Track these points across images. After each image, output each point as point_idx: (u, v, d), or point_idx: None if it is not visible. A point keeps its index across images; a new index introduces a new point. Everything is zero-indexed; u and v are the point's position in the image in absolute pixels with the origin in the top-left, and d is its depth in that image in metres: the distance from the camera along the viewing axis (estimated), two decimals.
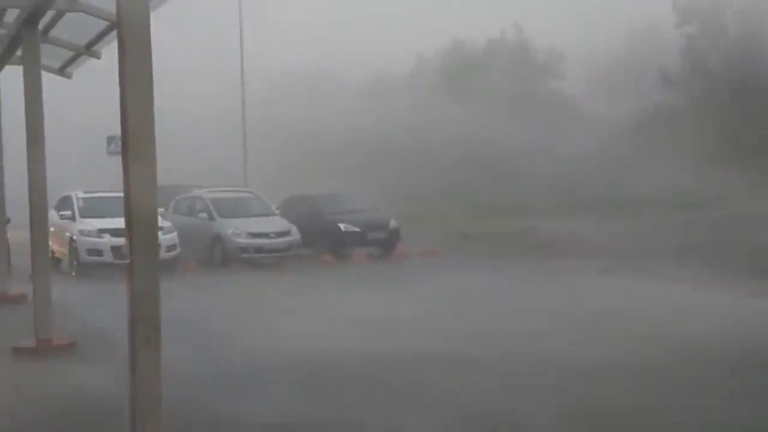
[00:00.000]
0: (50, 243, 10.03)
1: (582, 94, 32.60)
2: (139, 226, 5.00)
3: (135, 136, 4.99)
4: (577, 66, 32.93)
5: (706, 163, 23.68)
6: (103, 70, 9.45)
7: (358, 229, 18.69)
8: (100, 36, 9.35)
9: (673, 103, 28.50)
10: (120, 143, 5.28)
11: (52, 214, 14.90)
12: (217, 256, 17.44)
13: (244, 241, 17.24)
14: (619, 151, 26.30)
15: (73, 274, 15.78)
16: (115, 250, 15.01)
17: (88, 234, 15.85)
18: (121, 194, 5.16)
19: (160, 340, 5.00)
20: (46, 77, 9.52)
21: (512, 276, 14.45)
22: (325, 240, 18.64)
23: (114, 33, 8.01)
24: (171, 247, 15.79)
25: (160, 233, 5.96)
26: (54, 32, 9.44)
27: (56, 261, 15.95)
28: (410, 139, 32.43)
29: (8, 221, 13.38)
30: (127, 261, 5.06)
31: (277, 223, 17.99)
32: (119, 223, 5.90)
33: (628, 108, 28.82)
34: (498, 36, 35.37)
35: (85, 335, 9.09)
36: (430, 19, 35.45)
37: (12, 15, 9.27)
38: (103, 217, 15.63)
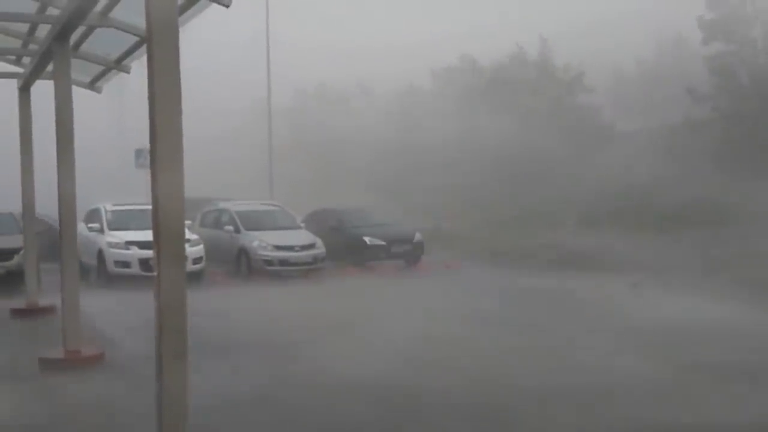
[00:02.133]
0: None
1: (609, 108, 32.42)
2: (167, 238, 5.04)
3: (163, 149, 5.04)
4: (605, 80, 32.78)
5: (735, 177, 23.40)
6: (132, 84, 9.59)
7: (382, 242, 18.72)
8: (130, 51, 9.47)
9: (701, 117, 28.22)
10: (148, 156, 5.33)
11: (81, 227, 15.09)
12: (243, 268, 17.53)
13: (269, 253, 17.31)
14: (647, 165, 26.09)
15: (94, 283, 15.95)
16: (143, 262, 15.15)
17: (116, 246, 16.01)
18: (149, 207, 5.21)
19: (187, 352, 5.03)
20: (77, 91, 9.64)
21: (534, 290, 14.36)
22: (349, 253, 18.69)
23: (144, 48, 8.12)
24: (197, 260, 15.92)
25: (186, 246, 6.00)
26: (84, 47, 9.59)
27: (85, 272, 16.10)
28: (436, 152, 32.42)
29: None
30: (155, 273, 5.10)
31: (302, 236, 18.06)
32: (147, 235, 5.94)
33: (655, 122, 28.60)
34: (524, 49, 35.29)
35: (114, 346, 9.15)
36: (455, 32, 35.49)
37: (43, 30, 9.43)
38: (132, 229, 15.79)
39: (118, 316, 11.61)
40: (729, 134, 26.39)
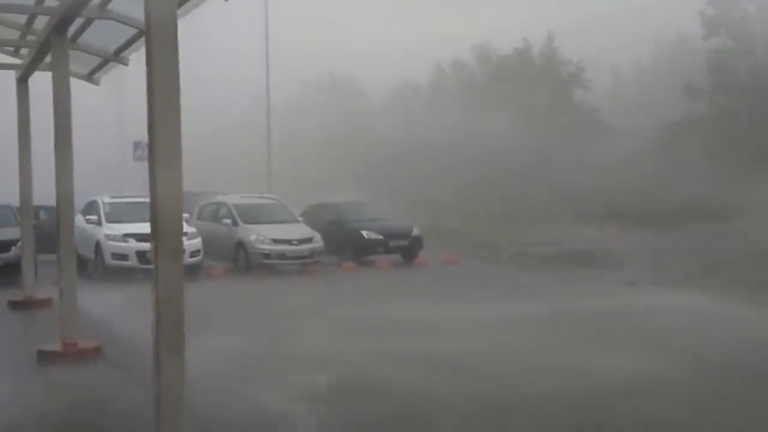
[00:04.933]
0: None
1: (608, 104, 32.41)
2: (165, 231, 5.04)
3: (161, 142, 5.04)
4: (604, 77, 32.77)
5: (732, 174, 23.42)
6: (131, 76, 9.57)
7: (380, 237, 18.72)
8: (128, 43, 9.45)
9: (699, 113, 28.24)
10: (146, 149, 5.32)
11: (79, 219, 15.07)
12: (240, 262, 17.52)
13: (266, 247, 17.30)
14: (645, 161, 26.12)
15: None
16: (140, 254, 15.14)
17: (114, 238, 16.00)
18: (147, 199, 5.20)
19: (184, 345, 5.03)
20: (75, 83, 9.62)
21: (528, 286, 14.38)
22: (347, 247, 18.69)
23: (142, 40, 8.11)
24: (194, 253, 15.91)
25: (183, 239, 5.99)
26: (83, 39, 9.57)
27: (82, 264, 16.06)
28: (433, 147, 32.41)
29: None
30: (152, 266, 5.10)
31: (300, 230, 18.04)
32: (145, 227, 5.94)
33: (654, 119, 28.60)
34: (524, 45, 35.25)
35: (111, 338, 9.15)
36: (456, 27, 35.43)
37: (42, 22, 9.40)
38: (129, 221, 15.78)
39: (116, 309, 11.61)
40: (726, 130, 26.41)
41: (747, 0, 28.09)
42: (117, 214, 16.64)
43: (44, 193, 12.31)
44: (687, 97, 28.30)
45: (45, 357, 8.37)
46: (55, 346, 8.54)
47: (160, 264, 5.01)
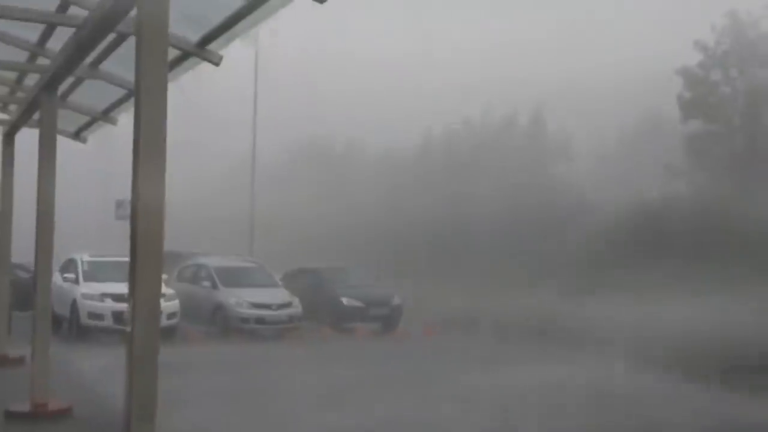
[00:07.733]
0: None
1: (588, 179, 32.81)
2: (143, 291, 4.98)
3: (144, 203, 5.03)
4: (584, 153, 33.30)
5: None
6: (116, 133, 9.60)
7: (360, 304, 18.60)
8: (118, 102, 9.48)
9: (677, 193, 28.71)
10: (129, 208, 5.31)
11: (56, 276, 14.91)
12: (218, 325, 17.31)
13: (245, 311, 17.14)
14: (624, 237, 26.35)
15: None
16: (116, 315, 14.94)
17: (91, 297, 15.80)
18: (126, 259, 5.16)
19: (156, 411, 4.92)
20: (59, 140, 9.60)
21: (508, 363, 14.20)
22: (327, 313, 18.52)
23: (131, 100, 8.17)
24: (171, 315, 15.71)
25: (161, 300, 5.93)
26: (72, 98, 9.61)
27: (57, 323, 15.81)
28: (417, 215, 32.57)
29: None
30: (128, 327, 5.02)
31: (279, 295, 17.92)
32: (122, 288, 5.88)
33: (633, 195, 28.98)
34: (510, 114, 35.81)
35: (81, 400, 8.93)
36: (442, 96, 35.96)
37: (32, 79, 9.46)
38: (107, 281, 15.61)
39: (89, 370, 11.37)
40: (704, 209, 26.77)
41: (723, 85, 28.86)
42: (95, 273, 16.47)
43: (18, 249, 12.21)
44: (666, 174, 28.83)
45: (13, 417, 8.16)
46: (25, 406, 8.33)
47: (136, 325, 4.94)
